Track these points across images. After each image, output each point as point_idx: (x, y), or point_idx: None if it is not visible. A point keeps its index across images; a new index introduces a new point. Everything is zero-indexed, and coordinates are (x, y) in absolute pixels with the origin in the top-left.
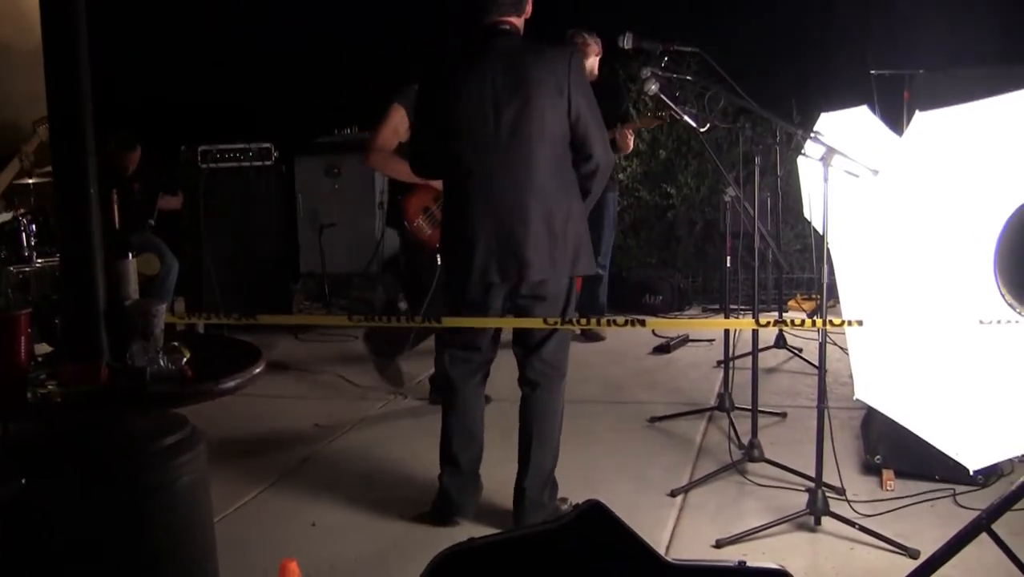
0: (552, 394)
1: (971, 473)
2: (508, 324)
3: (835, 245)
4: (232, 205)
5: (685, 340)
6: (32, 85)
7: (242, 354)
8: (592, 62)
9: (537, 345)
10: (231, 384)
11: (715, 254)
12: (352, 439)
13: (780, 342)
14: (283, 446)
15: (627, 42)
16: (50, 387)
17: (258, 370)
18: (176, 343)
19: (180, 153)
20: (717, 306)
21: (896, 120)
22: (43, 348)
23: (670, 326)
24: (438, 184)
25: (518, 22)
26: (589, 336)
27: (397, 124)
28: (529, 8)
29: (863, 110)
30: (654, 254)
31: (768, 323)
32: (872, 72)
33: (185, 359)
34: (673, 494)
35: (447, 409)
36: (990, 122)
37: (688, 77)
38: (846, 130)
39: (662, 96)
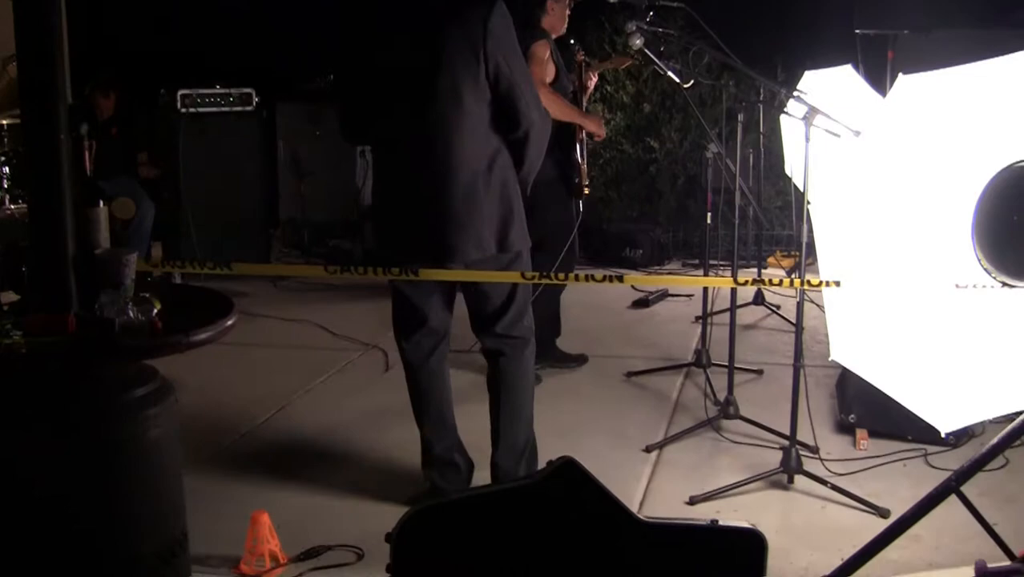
0: (518, 363)
1: (943, 435)
2: (471, 277)
3: (815, 204)
4: (212, 150)
5: (664, 294)
6: (4, 25)
7: (214, 305)
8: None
9: (491, 319)
10: (202, 336)
11: (696, 209)
12: (328, 389)
13: (758, 299)
14: (256, 396)
15: None
16: (15, 337)
17: (230, 323)
18: (147, 294)
19: (159, 97)
20: (697, 260)
21: (880, 80)
22: (10, 297)
23: (649, 282)
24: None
25: None
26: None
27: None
28: None
29: (847, 69)
30: (635, 207)
31: (747, 282)
32: (857, 31)
33: (156, 310)
34: (648, 450)
35: (410, 391)
36: (973, 87)
37: (673, 32)
38: (830, 89)
39: (647, 51)
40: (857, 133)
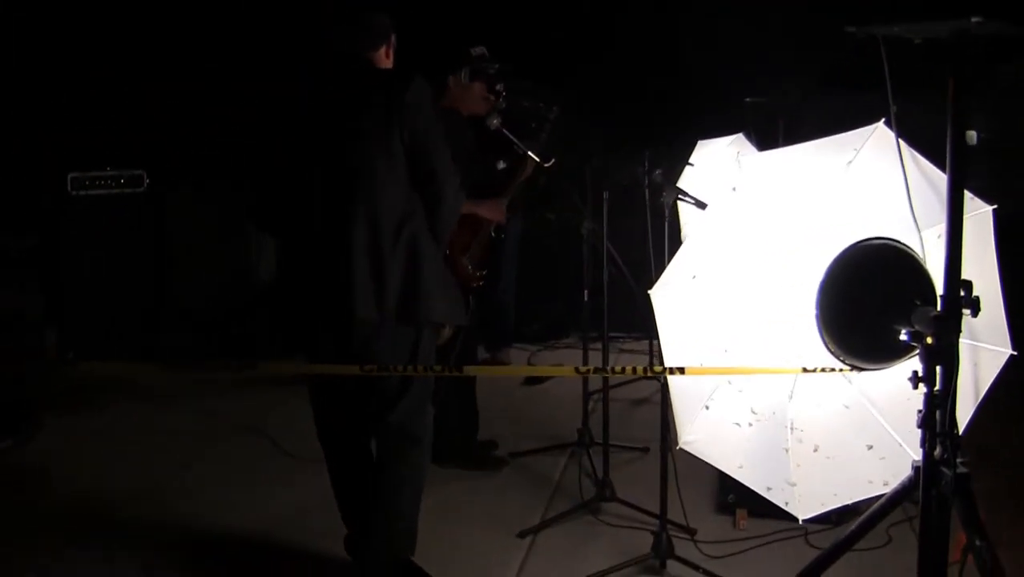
0: (405, 469)
1: (799, 522)
2: (321, 370)
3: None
4: (100, 234)
5: None
6: None
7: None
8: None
9: (385, 407)
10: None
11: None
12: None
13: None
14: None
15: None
16: None
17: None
18: None
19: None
20: (596, 333)
21: (773, 146)
22: None
23: (532, 372)
24: (478, 221)
25: (375, 56)
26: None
27: None
28: (388, 45)
29: (739, 137)
30: (532, 281)
31: (588, 370)
32: (747, 100)
33: None
34: (522, 535)
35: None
36: (812, 165)
37: (527, 104)
38: (722, 157)
39: (504, 131)
40: (703, 206)
